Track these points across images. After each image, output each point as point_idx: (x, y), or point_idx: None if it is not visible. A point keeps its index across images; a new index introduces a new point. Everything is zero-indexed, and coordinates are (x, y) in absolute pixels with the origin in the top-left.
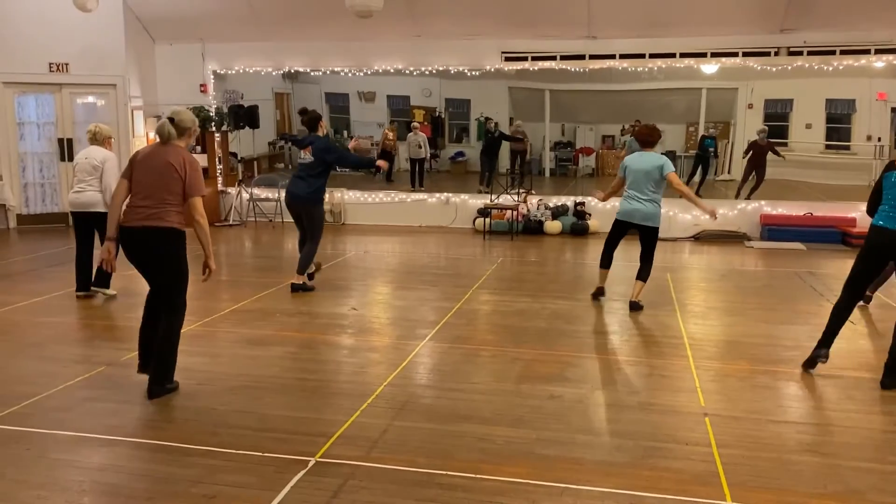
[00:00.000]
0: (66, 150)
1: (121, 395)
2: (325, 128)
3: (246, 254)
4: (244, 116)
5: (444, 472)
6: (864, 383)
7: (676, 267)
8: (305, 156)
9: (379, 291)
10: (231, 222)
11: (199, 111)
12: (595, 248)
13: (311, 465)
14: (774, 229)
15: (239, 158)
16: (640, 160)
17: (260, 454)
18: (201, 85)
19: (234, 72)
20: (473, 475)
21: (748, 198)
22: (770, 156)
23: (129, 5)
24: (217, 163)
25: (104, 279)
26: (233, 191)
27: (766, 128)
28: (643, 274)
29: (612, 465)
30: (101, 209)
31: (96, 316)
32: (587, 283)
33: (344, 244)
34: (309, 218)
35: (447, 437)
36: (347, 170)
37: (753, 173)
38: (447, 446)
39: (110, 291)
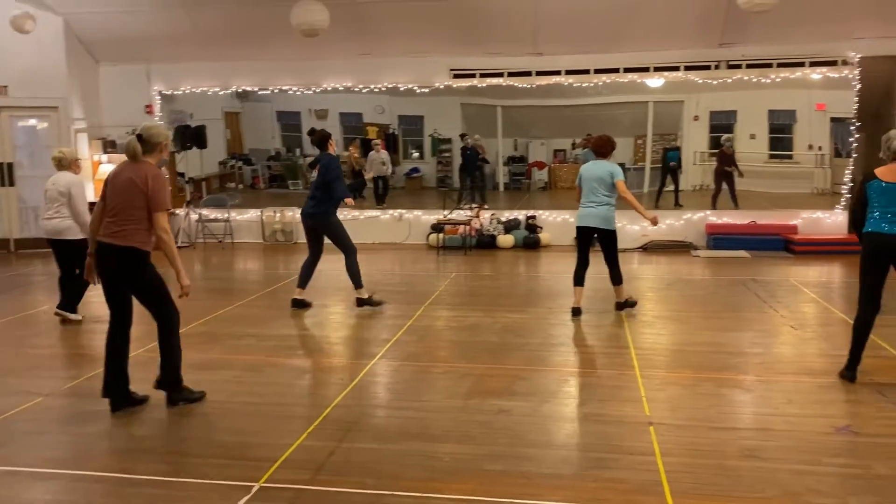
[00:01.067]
0: (5, 174)
1: (61, 427)
2: (334, 146)
3: (195, 276)
4: (191, 136)
5: (392, 493)
6: (803, 387)
7: (625, 277)
8: (315, 174)
9: (331, 311)
10: (180, 244)
11: None
12: (547, 261)
13: (254, 490)
14: (720, 238)
15: (187, 179)
16: (594, 168)
17: (204, 481)
18: (147, 106)
19: (180, 92)
20: (421, 494)
21: (736, 206)
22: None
23: (71, 26)
24: None
25: (69, 304)
26: (181, 212)
27: (731, 136)
28: (615, 278)
29: (558, 478)
30: (70, 236)
31: (37, 345)
32: (539, 297)
33: (296, 263)
34: (328, 233)
35: (395, 456)
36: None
37: (723, 182)
38: (395, 466)
39: (75, 316)
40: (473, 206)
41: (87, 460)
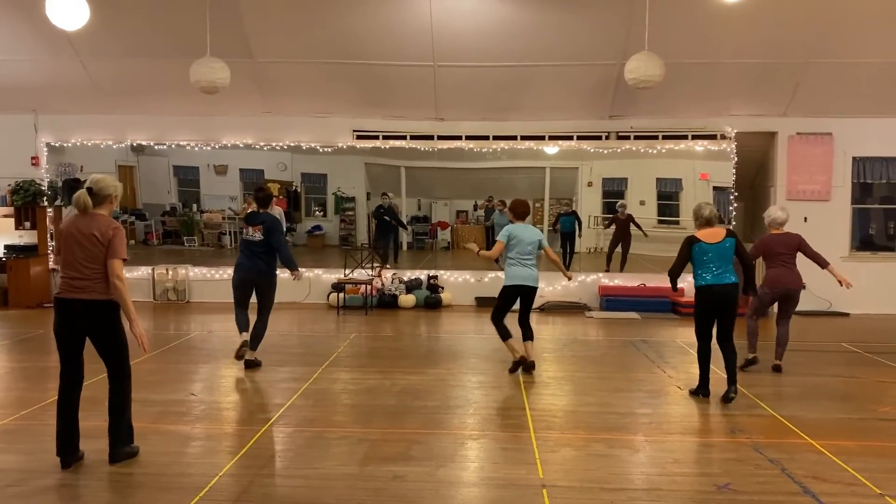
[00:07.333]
0: None
1: None
2: (275, 207)
3: None
4: None
5: None
6: (687, 446)
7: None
8: (255, 233)
9: (223, 374)
10: None
11: (30, 185)
12: (448, 321)
13: None
14: (612, 300)
15: None
16: (526, 232)
17: None
18: (32, 157)
19: (70, 144)
20: None
21: (621, 269)
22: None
23: None
24: (49, 239)
25: None
26: None
27: (625, 202)
28: (530, 334)
29: None
30: None
31: None
32: (438, 357)
33: (188, 324)
34: (266, 291)
35: None
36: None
37: (619, 245)
38: None
39: None
40: (376, 265)
41: None
